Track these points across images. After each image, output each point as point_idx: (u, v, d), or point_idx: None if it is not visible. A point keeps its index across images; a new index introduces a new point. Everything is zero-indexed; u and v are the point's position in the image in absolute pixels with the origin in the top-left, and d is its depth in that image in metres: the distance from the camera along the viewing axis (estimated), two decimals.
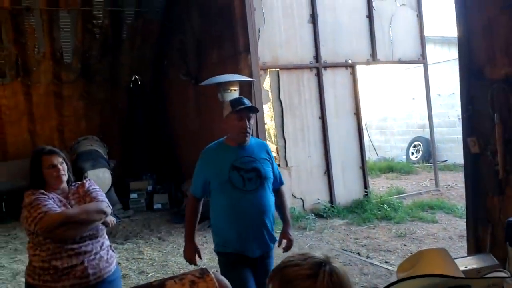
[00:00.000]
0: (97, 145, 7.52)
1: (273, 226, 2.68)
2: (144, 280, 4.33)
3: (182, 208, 7.26)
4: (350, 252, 4.90)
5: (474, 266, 2.55)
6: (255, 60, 6.31)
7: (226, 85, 5.92)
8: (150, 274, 4.52)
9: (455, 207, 6.32)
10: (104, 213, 2.29)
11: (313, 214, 6.32)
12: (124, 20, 8.38)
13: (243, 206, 2.54)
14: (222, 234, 2.62)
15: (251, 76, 6.17)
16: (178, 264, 4.74)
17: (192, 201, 2.77)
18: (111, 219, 2.40)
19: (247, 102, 2.65)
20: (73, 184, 2.43)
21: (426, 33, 8.29)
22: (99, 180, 6.73)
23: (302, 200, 6.56)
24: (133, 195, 7.61)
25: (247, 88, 6.23)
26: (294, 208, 6.27)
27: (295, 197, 6.49)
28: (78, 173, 6.58)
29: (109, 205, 2.36)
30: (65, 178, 2.33)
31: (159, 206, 7.56)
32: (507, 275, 1.38)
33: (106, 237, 2.42)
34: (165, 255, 5.11)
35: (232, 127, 2.61)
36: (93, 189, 2.39)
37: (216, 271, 4.41)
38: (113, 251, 2.45)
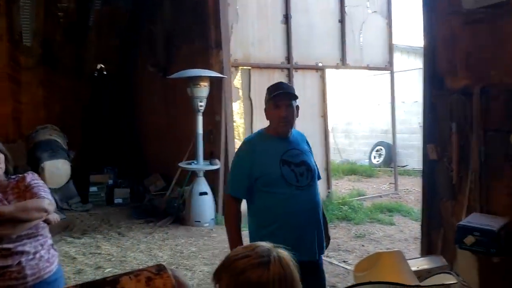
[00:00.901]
0: (57, 135, 7.22)
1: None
2: (100, 276, 4.22)
3: (144, 203, 7.16)
4: None
5: (425, 266, 2.66)
6: (226, 56, 6.28)
7: (196, 80, 5.86)
8: (107, 269, 4.42)
9: (412, 211, 6.55)
10: (46, 211, 2.08)
11: None
12: (91, 6, 8.10)
13: (298, 205, 2.23)
14: (273, 240, 2.23)
15: (221, 73, 6.14)
16: (137, 260, 4.66)
17: (233, 205, 2.35)
18: (54, 217, 2.19)
19: (285, 86, 2.39)
20: (13, 177, 2.20)
21: (395, 41, 8.52)
22: (57, 171, 6.50)
23: None
24: (93, 189, 7.36)
25: (217, 85, 6.20)
26: None
27: None
28: (34, 164, 6.33)
29: (52, 201, 2.16)
30: (1, 171, 2.13)
31: (120, 200, 7.36)
32: (453, 277, 1.45)
33: (49, 235, 2.23)
34: (124, 250, 5.01)
35: (270, 116, 2.34)
36: (35, 183, 2.17)
37: (176, 267, 4.37)
38: (55, 250, 2.26)
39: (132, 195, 7.55)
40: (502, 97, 2.89)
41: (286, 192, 2.22)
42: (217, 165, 6.03)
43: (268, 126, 2.41)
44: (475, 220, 2.75)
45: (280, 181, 2.22)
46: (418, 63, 10.46)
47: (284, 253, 1.17)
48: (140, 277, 1.13)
